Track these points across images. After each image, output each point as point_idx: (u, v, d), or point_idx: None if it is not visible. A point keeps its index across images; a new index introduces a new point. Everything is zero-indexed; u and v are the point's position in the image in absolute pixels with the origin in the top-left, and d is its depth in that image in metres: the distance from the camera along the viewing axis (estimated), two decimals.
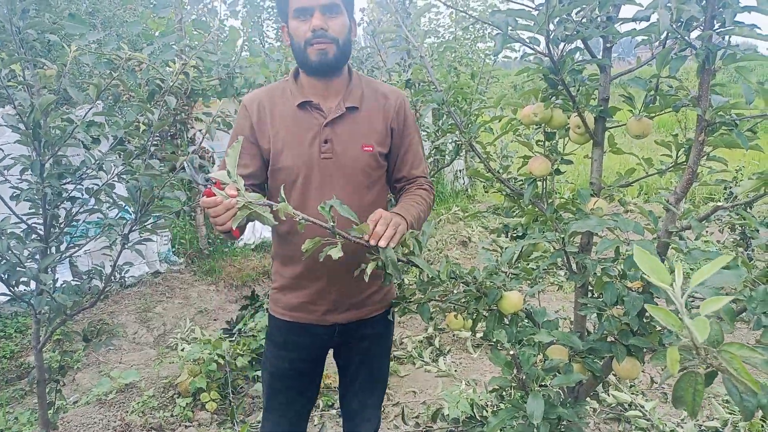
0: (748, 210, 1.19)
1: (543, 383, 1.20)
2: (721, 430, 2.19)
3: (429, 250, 4.85)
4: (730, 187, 3.70)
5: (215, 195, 1.15)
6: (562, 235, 1.32)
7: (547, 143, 1.51)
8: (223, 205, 1.14)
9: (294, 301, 1.52)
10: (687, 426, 2.25)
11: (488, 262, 1.31)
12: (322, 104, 1.45)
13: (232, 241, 1.42)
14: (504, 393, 2.56)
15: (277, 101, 1.46)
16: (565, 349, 1.31)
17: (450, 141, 3.40)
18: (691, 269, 3.25)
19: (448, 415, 2.36)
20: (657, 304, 1.24)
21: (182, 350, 3.31)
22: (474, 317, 1.35)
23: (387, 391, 2.81)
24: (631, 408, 2.41)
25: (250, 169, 1.46)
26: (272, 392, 1.61)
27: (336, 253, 1.13)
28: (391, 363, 3.00)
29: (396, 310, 1.45)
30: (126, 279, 4.28)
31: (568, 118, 1.44)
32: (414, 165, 1.58)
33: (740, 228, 3.36)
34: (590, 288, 1.40)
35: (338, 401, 2.01)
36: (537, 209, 1.58)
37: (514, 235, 1.70)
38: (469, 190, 7.22)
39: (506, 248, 1.37)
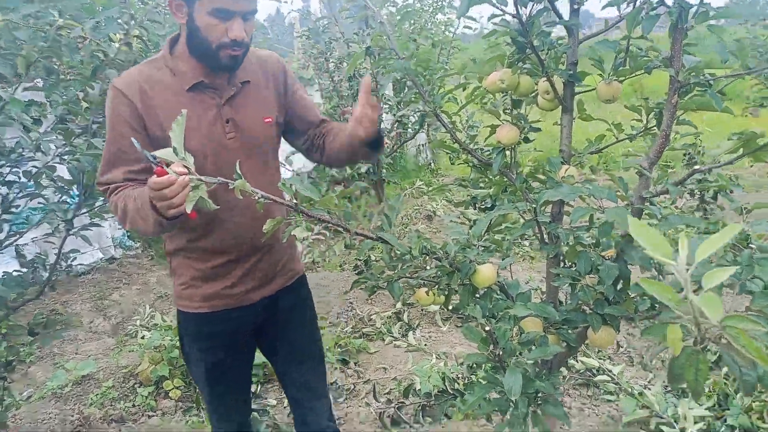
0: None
1: (518, 357, 1.17)
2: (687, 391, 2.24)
3: (394, 225, 4.80)
4: (689, 153, 3.78)
5: (167, 173, 1.06)
6: (534, 205, 1.29)
7: (514, 111, 1.46)
8: (179, 183, 1.05)
9: (210, 290, 1.43)
10: (655, 388, 2.29)
11: (459, 236, 1.26)
12: (213, 83, 1.35)
13: (179, 225, 1.30)
14: (474, 365, 2.56)
15: (160, 83, 1.32)
16: (540, 321, 1.29)
17: (413, 113, 3.33)
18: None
19: (420, 390, 2.34)
20: (631, 272, 1.23)
21: (142, 338, 3.19)
22: (446, 293, 1.31)
23: (357, 368, 2.78)
24: (600, 373, 2.45)
25: (144, 164, 1.30)
26: (212, 394, 1.55)
27: (301, 232, 1.06)
28: (360, 340, 2.97)
29: (363, 287, 1.40)
30: (75, 267, 4.08)
31: (536, 84, 1.39)
32: (315, 110, 1.55)
33: (699, 193, 3.44)
34: (562, 258, 1.38)
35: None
36: (506, 179, 1.54)
37: (482, 206, 1.66)
38: (432, 164, 7.19)
39: (476, 220, 1.33)
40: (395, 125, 3.17)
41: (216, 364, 1.50)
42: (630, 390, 2.33)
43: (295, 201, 1.08)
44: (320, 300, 3.45)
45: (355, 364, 2.81)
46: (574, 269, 1.28)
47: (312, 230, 3.22)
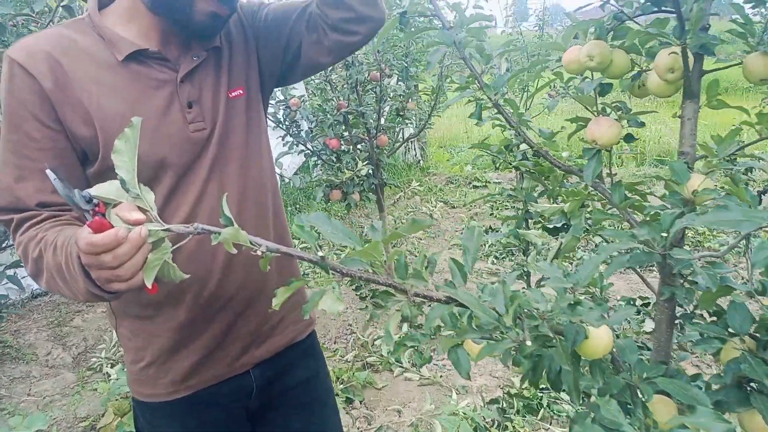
0: None
1: None
2: None
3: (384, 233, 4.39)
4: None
5: (110, 226, 0.65)
6: (662, 233, 0.89)
7: (601, 99, 1.06)
8: (131, 242, 0.65)
9: (186, 364, 1.00)
10: None
11: (557, 283, 0.85)
12: (164, 51, 0.94)
13: (142, 296, 0.93)
14: (505, 405, 2.18)
15: (82, 55, 0.88)
16: (672, 401, 0.89)
17: (418, 103, 2.92)
18: None
19: None
20: None
21: (107, 375, 2.72)
22: (534, 367, 0.90)
23: (364, 409, 2.36)
24: None
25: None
26: None
27: (334, 303, 0.65)
28: (365, 372, 2.55)
29: (407, 347, 0.98)
30: (29, 288, 3.58)
31: (644, 63, 1.00)
32: (291, 7, 1.08)
33: None
34: (684, 303, 0.99)
35: None
36: (587, 192, 1.15)
37: (548, 226, 1.26)
38: (421, 161, 6.78)
39: (581, 261, 0.93)
40: (397, 118, 2.75)
41: None
42: None
43: (319, 254, 0.66)
44: None
45: (361, 402, 2.40)
46: (717, 324, 0.89)
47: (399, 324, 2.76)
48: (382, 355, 2.68)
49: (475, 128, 8.29)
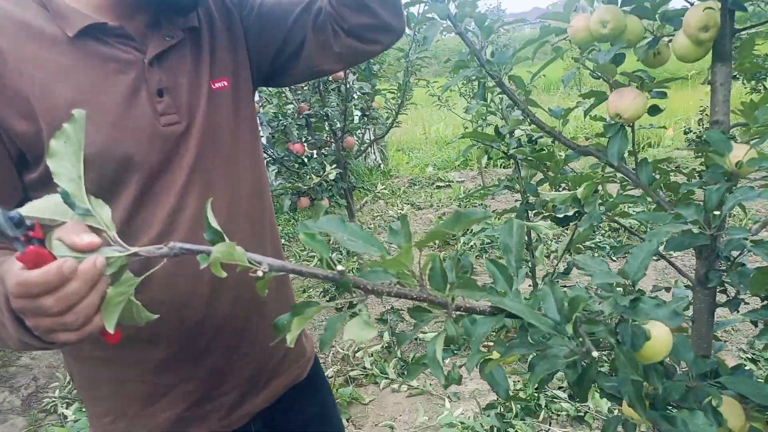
0: None
1: None
2: None
3: None
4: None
5: (50, 257, 0.49)
6: (714, 211, 0.78)
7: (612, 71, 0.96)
8: (82, 276, 0.49)
9: (164, 419, 0.83)
10: None
11: (601, 278, 0.73)
12: (127, 27, 0.77)
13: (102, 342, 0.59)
14: (503, 410, 2.06)
15: (24, 32, 0.71)
16: (735, 402, 0.79)
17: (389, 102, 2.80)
18: None
19: None
20: None
21: (63, 417, 2.46)
22: (581, 377, 0.77)
23: (353, 430, 2.20)
24: None
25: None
26: None
27: (362, 329, 0.51)
28: (350, 388, 2.40)
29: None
30: None
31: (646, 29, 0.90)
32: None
33: None
34: (741, 289, 0.89)
35: None
36: (602, 174, 1.04)
37: (557, 216, 1.15)
38: (382, 165, 6.66)
39: (628, 248, 0.81)
40: (363, 119, 2.62)
41: None
42: None
43: (336, 267, 0.52)
44: None
45: (348, 420, 2.24)
46: None
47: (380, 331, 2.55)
48: (365, 368, 2.53)
49: (432, 129, 8.26)
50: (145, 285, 0.74)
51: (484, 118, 3.98)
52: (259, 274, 0.50)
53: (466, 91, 4.57)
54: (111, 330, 0.50)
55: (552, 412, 2.09)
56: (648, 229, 1.07)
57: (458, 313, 0.61)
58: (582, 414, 2.04)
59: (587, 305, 0.63)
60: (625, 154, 0.95)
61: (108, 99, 0.73)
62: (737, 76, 3.48)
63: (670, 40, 0.94)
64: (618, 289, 0.74)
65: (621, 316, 0.69)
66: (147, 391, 0.81)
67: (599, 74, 0.94)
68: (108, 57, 0.74)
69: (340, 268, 0.52)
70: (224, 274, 0.47)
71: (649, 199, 0.93)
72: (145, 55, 0.77)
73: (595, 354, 0.61)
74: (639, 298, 0.67)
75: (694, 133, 2.93)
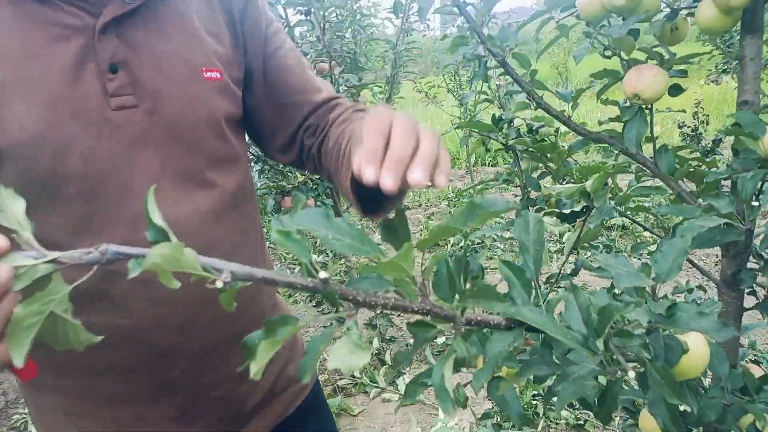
0: None
1: None
2: None
3: None
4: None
5: None
6: (755, 202, 0.68)
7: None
8: None
9: None
10: None
11: (629, 281, 0.62)
12: None
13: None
14: (500, 420, 1.96)
15: None
16: None
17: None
18: None
19: None
20: None
21: None
22: (603, 397, 0.66)
23: None
24: None
25: None
26: None
27: (355, 352, 0.40)
28: (338, 398, 2.28)
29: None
30: None
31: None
32: (310, 84, 0.82)
33: None
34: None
35: None
36: (613, 165, 0.95)
37: (563, 212, 1.05)
38: None
39: (645, 246, 0.71)
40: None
41: None
42: None
43: (320, 275, 0.41)
44: None
45: None
46: None
47: (369, 337, 2.43)
48: (354, 376, 2.41)
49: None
50: (100, 304, 0.63)
51: (472, 110, 3.88)
52: (219, 285, 0.38)
53: (453, 87, 4.47)
54: (18, 363, 0.38)
55: (551, 421, 2.00)
56: (663, 225, 0.98)
57: (467, 327, 0.50)
58: (582, 422, 1.95)
59: (623, 317, 0.52)
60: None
61: (44, 72, 0.60)
62: (727, 69, 3.42)
63: (687, 14, 0.85)
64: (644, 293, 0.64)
65: (653, 325, 0.59)
66: (100, 428, 0.69)
67: (613, 51, 0.84)
68: (50, 20, 0.61)
69: (323, 275, 0.41)
70: (177, 285, 0.36)
71: (669, 191, 0.83)
72: (95, 19, 0.63)
73: (631, 374, 0.50)
74: (676, 304, 0.57)
75: (689, 127, 2.86)
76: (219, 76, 0.71)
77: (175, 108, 0.67)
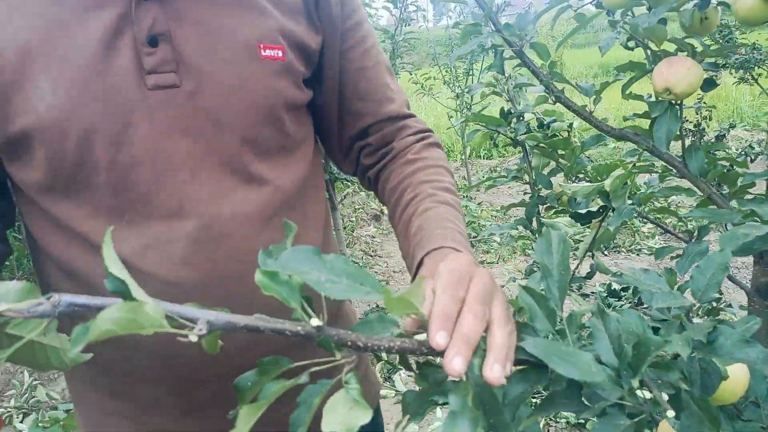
0: None
1: None
2: None
3: (343, 228, 4.08)
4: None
5: None
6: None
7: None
8: None
9: None
10: None
11: (665, 301, 0.56)
12: None
13: None
14: None
15: None
16: None
17: None
18: None
19: None
20: None
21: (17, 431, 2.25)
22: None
23: None
24: None
25: None
26: None
27: (355, 416, 0.34)
28: None
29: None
30: None
31: None
32: (382, 92, 0.73)
33: None
34: None
35: None
36: (640, 160, 0.89)
37: (579, 212, 0.99)
38: None
39: (672, 251, 0.65)
40: None
41: None
42: None
43: (312, 322, 0.35)
44: None
45: None
46: None
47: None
48: None
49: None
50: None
51: (468, 101, 3.82)
52: (192, 339, 0.32)
53: (450, 78, 4.41)
54: None
55: (551, 419, 1.96)
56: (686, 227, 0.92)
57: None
58: (583, 421, 1.91)
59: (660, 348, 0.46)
60: None
61: (74, 45, 0.54)
62: (726, 64, 3.37)
63: (719, 3, 0.79)
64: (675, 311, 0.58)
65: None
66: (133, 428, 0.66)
67: (638, 41, 0.78)
68: None
69: (315, 322, 0.36)
70: (150, 331, 0.30)
71: (699, 192, 0.78)
72: None
73: (670, 414, 0.44)
74: (716, 328, 0.51)
75: (691, 122, 2.82)
76: (281, 54, 0.62)
77: (222, 90, 0.59)
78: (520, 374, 0.45)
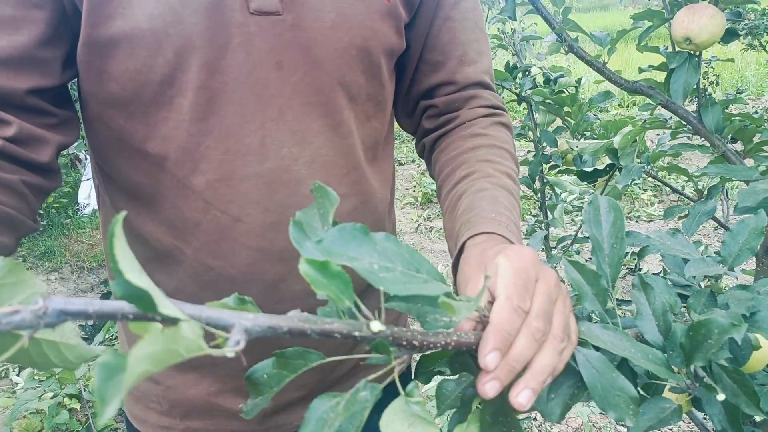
0: None
1: None
2: None
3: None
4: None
5: None
6: None
7: None
8: None
9: (193, 393, 0.65)
10: None
11: (698, 269, 0.52)
12: None
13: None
14: None
15: None
16: None
17: None
18: None
19: None
20: None
21: (14, 385, 2.26)
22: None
23: None
24: None
25: (22, 37, 0.50)
26: None
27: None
28: None
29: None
30: None
31: None
32: (463, 51, 0.66)
33: None
34: None
35: None
36: (652, 116, 0.86)
37: (585, 170, 0.96)
38: None
39: (681, 210, 0.62)
40: None
41: None
42: None
43: (372, 325, 0.31)
44: None
45: None
46: None
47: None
48: None
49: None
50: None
51: None
52: (228, 354, 0.25)
53: None
54: None
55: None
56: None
57: None
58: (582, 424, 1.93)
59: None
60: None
61: None
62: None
63: None
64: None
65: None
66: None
67: None
68: None
69: (376, 326, 0.30)
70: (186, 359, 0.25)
71: (712, 150, 0.75)
72: None
73: (720, 398, 0.42)
74: (756, 299, 0.48)
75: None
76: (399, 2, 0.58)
77: (322, 25, 0.55)
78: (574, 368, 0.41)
